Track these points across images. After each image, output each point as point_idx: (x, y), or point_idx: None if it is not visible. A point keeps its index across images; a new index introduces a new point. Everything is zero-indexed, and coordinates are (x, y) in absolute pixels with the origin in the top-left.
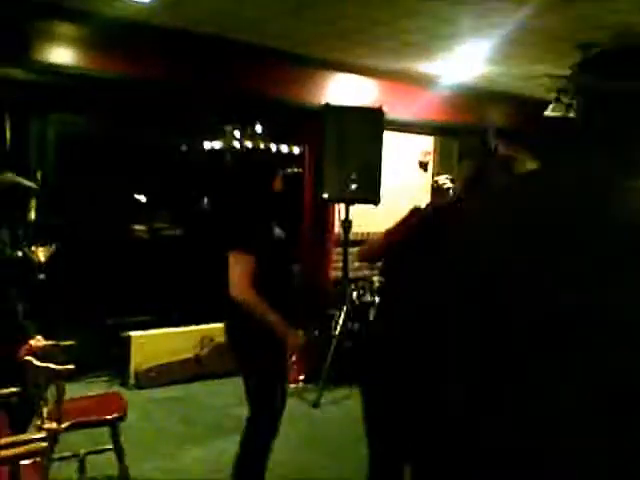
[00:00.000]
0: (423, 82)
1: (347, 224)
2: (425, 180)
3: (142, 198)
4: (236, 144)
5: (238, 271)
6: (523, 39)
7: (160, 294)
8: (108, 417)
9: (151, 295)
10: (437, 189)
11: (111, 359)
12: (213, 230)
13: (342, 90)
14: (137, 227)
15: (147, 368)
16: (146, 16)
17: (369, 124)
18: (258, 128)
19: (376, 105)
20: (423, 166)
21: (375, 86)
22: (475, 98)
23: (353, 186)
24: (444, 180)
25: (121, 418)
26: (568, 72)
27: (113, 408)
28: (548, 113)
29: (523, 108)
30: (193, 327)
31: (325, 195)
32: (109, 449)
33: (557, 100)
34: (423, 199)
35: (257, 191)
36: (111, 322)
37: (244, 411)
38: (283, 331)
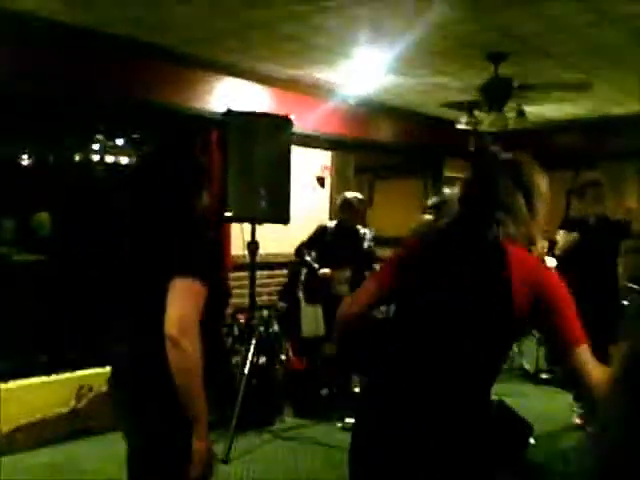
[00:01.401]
0: (323, 93)
1: (254, 246)
2: (323, 196)
3: None
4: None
5: (189, 306)
6: (429, 47)
7: (23, 335)
8: None
9: (10, 337)
10: (345, 205)
11: None
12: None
13: (237, 97)
14: None
15: (13, 428)
16: None
17: (276, 134)
18: (120, 141)
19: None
20: (320, 182)
21: (273, 95)
22: (375, 112)
23: (263, 203)
24: (351, 195)
25: None
26: (477, 84)
27: None
28: (460, 127)
29: (421, 124)
30: (67, 375)
31: (228, 214)
32: None
33: (470, 113)
34: (321, 215)
35: (186, 206)
36: None
37: None
38: (201, 433)
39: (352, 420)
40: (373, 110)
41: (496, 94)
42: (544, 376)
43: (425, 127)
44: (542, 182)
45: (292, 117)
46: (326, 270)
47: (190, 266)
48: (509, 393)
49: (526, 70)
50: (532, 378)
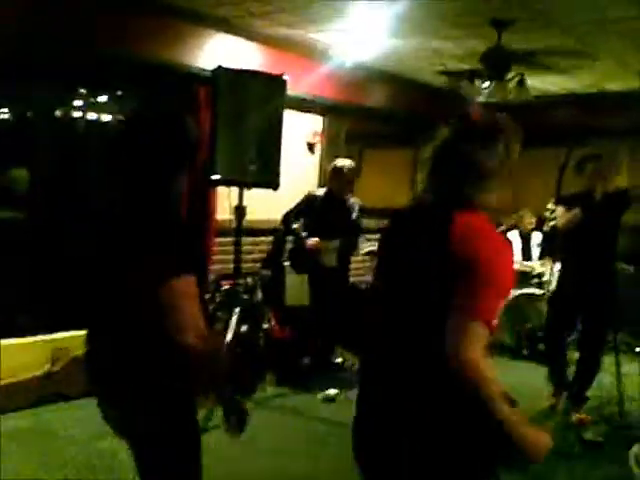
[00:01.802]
0: (318, 55)
1: (241, 211)
2: (313, 163)
3: None
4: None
5: (195, 308)
6: (429, 10)
7: None
8: None
9: None
10: (337, 172)
11: None
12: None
13: (228, 55)
14: None
15: None
16: None
17: (269, 94)
18: (103, 97)
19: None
20: (311, 148)
21: (266, 54)
22: (371, 77)
23: (252, 166)
24: (344, 162)
25: None
26: (479, 51)
27: None
28: (462, 94)
29: (417, 92)
30: (42, 337)
31: (216, 176)
32: None
33: (471, 82)
34: (310, 182)
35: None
36: None
37: (113, 444)
38: None
39: (333, 391)
40: (369, 75)
41: (498, 63)
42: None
43: (421, 95)
44: (516, 150)
45: (286, 77)
46: (314, 240)
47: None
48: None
49: (529, 39)
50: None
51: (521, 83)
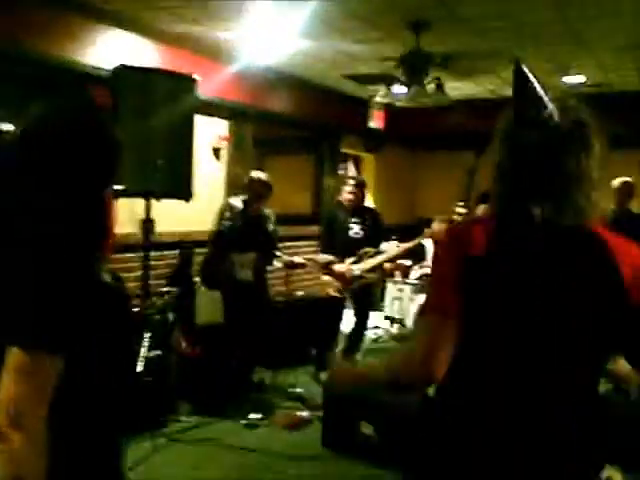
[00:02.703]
0: (224, 56)
1: (150, 224)
2: (219, 169)
3: None
4: None
5: (24, 390)
6: (344, 11)
7: None
8: None
9: None
10: (255, 185)
11: None
12: None
13: (128, 53)
14: None
15: None
16: None
17: (178, 96)
18: None
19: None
20: (217, 153)
21: (169, 54)
22: (277, 81)
23: (160, 175)
24: (261, 175)
25: None
26: (394, 55)
27: None
28: (379, 100)
29: (323, 97)
30: None
31: (119, 187)
32: None
33: (388, 86)
34: (217, 190)
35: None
36: None
37: None
38: None
39: (256, 416)
40: (276, 79)
41: (416, 66)
42: None
43: (324, 101)
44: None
45: (197, 77)
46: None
47: (36, 333)
48: None
49: (448, 42)
50: None
51: (439, 87)
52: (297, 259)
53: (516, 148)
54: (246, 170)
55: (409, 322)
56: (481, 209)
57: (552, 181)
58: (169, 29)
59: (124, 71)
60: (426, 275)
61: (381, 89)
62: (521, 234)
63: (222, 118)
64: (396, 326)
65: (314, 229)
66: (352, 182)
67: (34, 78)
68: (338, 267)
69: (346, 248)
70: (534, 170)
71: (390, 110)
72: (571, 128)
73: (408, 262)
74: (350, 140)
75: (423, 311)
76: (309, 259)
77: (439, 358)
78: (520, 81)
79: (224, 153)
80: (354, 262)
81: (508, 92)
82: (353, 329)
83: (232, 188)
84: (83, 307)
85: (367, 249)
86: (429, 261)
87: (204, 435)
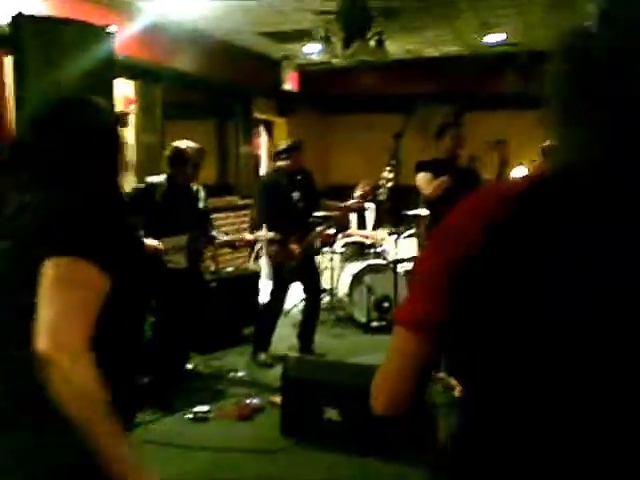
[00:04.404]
0: (128, 9)
1: None
2: (127, 138)
3: None
4: None
5: (63, 304)
6: None
7: None
8: None
9: None
10: (179, 157)
11: None
12: None
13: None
14: None
15: None
16: None
17: (92, 48)
18: None
19: None
20: (123, 120)
21: (61, 4)
22: (183, 38)
23: None
24: (187, 144)
25: None
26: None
27: None
28: (318, 55)
29: (231, 56)
30: None
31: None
32: None
33: (327, 40)
34: (128, 164)
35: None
36: None
37: None
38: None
39: (203, 408)
40: (186, 36)
41: (356, 21)
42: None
43: (236, 60)
44: None
45: (114, 29)
46: (153, 242)
47: (70, 238)
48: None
49: None
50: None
51: (380, 43)
52: (248, 236)
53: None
54: (158, 138)
55: (340, 291)
56: (421, 177)
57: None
58: None
59: (25, 20)
60: (352, 243)
61: (296, 49)
62: (596, 212)
63: (128, 79)
64: (328, 296)
65: (225, 200)
66: (293, 144)
67: None
68: (293, 246)
69: (291, 220)
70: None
71: (303, 71)
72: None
73: (332, 230)
74: (262, 103)
75: (395, 318)
76: (255, 236)
77: (402, 391)
78: None
79: (132, 119)
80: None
81: (427, 52)
82: (306, 306)
83: (145, 161)
84: (118, 233)
85: (318, 229)
86: (353, 228)
87: (148, 436)
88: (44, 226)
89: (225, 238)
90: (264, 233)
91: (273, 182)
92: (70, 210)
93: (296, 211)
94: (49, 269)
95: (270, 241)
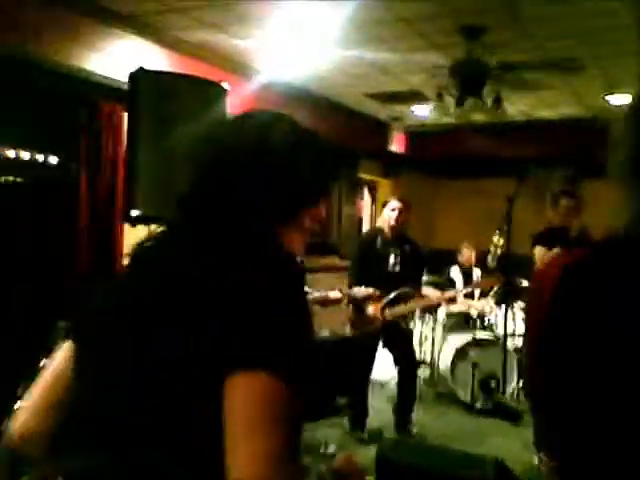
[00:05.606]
0: (240, 69)
1: None
2: None
3: None
4: None
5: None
6: (383, 15)
7: None
8: None
9: None
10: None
11: None
12: None
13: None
14: None
15: None
16: None
17: (207, 105)
18: None
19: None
20: None
21: (178, 59)
22: (295, 99)
23: None
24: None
25: None
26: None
27: None
28: (429, 115)
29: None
30: None
31: (135, 212)
32: None
33: (439, 98)
34: None
35: None
36: None
37: None
38: None
39: None
40: (293, 96)
41: (471, 76)
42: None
43: (343, 121)
44: None
45: (226, 85)
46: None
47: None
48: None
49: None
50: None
51: (497, 101)
52: (332, 294)
53: None
54: None
55: (441, 365)
56: (538, 251)
57: None
58: (186, 37)
59: (144, 75)
60: (456, 312)
61: (405, 109)
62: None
63: None
64: (428, 369)
65: (325, 260)
66: (398, 204)
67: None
68: (372, 309)
69: (382, 283)
70: None
71: (411, 133)
72: None
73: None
74: (367, 164)
75: None
76: (344, 293)
77: None
78: None
79: None
80: (389, 302)
81: (542, 114)
82: (399, 380)
83: None
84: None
85: (406, 289)
86: (460, 297)
87: None
88: (240, 316)
89: (316, 295)
90: (354, 291)
91: (368, 239)
92: (281, 297)
93: (389, 274)
94: (257, 383)
95: (354, 305)
